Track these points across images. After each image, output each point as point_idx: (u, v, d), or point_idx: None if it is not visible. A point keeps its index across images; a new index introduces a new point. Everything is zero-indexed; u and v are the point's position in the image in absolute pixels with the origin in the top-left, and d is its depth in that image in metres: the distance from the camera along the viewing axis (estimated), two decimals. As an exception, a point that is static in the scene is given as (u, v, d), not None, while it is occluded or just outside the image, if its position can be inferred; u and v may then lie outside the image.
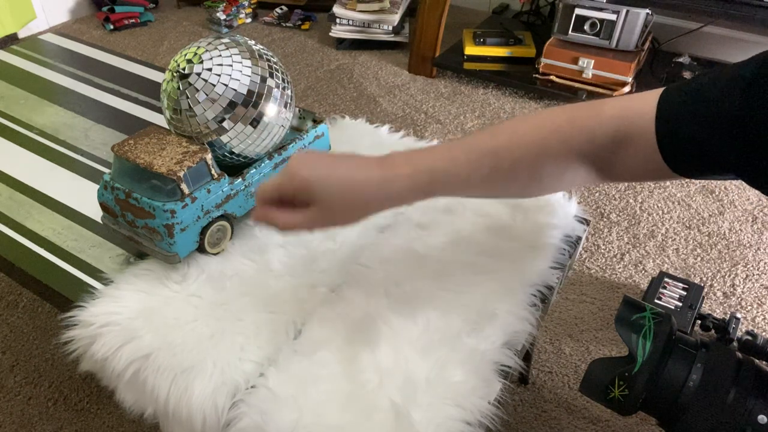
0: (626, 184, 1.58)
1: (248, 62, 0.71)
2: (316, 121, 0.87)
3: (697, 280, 1.28)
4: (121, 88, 1.12)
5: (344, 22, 2.21)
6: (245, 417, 0.57)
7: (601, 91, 1.82)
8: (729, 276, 1.30)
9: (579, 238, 0.81)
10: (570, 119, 0.55)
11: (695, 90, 0.51)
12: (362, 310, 0.67)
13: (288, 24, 2.46)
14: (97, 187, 0.72)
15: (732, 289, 1.27)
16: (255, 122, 0.72)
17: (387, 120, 1.85)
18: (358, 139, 0.96)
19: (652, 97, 0.53)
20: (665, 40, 2.02)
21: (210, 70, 0.68)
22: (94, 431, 1.02)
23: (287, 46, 2.30)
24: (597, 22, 1.76)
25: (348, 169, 0.56)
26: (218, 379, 0.60)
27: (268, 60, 0.73)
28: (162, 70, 1.18)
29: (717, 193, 1.54)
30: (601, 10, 1.74)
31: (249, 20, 2.50)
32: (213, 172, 0.70)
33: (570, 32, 1.81)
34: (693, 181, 1.59)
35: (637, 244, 1.38)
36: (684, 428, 0.53)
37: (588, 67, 1.80)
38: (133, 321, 0.65)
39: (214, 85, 0.68)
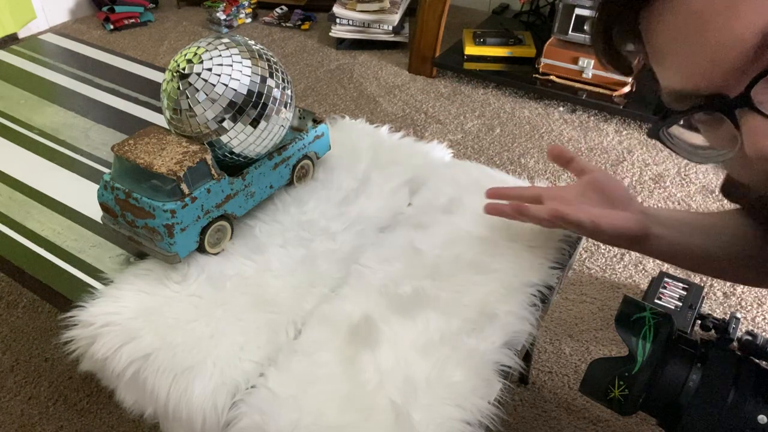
0: (626, 183, 1.58)
1: (248, 62, 0.71)
2: (316, 121, 0.87)
3: (697, 280, 1.27)
4: (121, 88, 1.12)
5: (344, 22, 2.21)
6: (245, 417, 0.57)
7: (601, 91, 1.82)
8: (729, 276, 1.30)
9: (579, 238, 0.81)
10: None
11: None
12: (362, 310, 0.67)
13: (288, 24, 2.46)
14: (97, 187, 0.72)
15: (732, 289, 1.27)
16: (255, 122, 0.72)
17: (387, 120, 1.85)
18: (358, 139, 0.96)
19: None
20: (665, 40, 2.02)
21: (210, 70, 0.68)
22: (94, 431, 1.02)
23: (287, 46, 2.30)
24: (597, 22, 1.75)
25: None
26: (218, 379, 0.60)
27: (268, 60, 0.73)
28: (162, 70, 1.18)
29: (717, 193, 1.54)
30: (601, 10, 1.74)
31: (249, 20, 2.50)
32: (213, 172, 0.70)
33: (570, 32, 1.81)
34: (693, 180, 1.59)
35: (637, 244, 1.38)
36: (684, 428, 0.53)
37: (588, 67, 1.80)
38: (133, 321, 0.65)
39: (214, 85, 0.68)
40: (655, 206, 0.62)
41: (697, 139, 0.39)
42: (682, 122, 0.38)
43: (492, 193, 0.71)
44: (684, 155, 0.39)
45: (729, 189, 0.62)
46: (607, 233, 0.56)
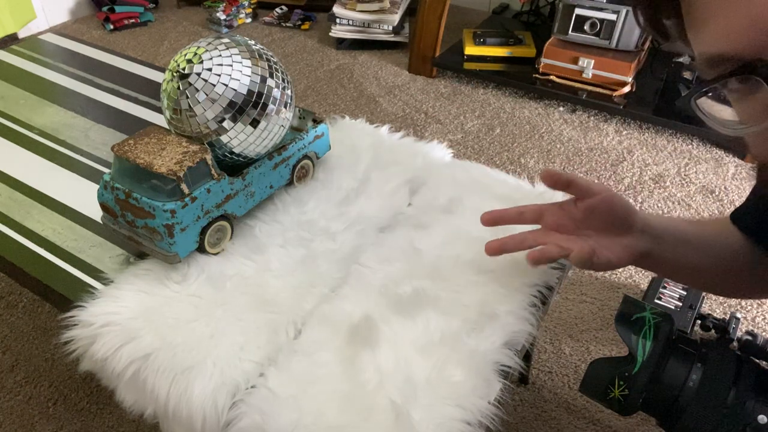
0: (626, 183, 1.58)
1: (248, 62, 0.71)
2: (316, 121, 0.87)
3: (697, 280, 1.27)
4: (121, 88, 1.12)
5: (344, 22, 2.21)
6: (245, 417, 0.57)
7: (601, 91, 1.82)
8: (729, 276, 1.30)
9: (579, 238, 0.80)
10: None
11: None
12: (362, 310, 0.67)
13: (288, 24, 2.46)
14: (97, 187, 0.72)
15: (732, 289, 1.26)
16: (255, 122, 0.72)
17: (387, 120, 1.85)
18: (358, 139, 0.96)
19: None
20: (665, 40, 2.02)
21: (210, 70, 0.68)
22: (94, 431, 1.02)
23: (287, 46, 2.30)
24: (597, 22, 1.76)
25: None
26: (218, 379, 0.60)
27: (268, 60, 0.73)
28: (162, 70, 1.18)
29: (717, 193, 1.54)
30: (601, 10, 1.74)
31: (249, 20, 2.50)
32: (213, 172, 0.70)
33: (570, 32, 1.81)
34: (693, 180, 1.59)
35: (637, 244, 1.38)
36: (684, 428, 0.53)
37: (588, 67, 1.80)
38: (133, 321, 0.65)
39: (214, 85, 0.68)
40: (657, 212, 0.62)
41: (725, 113, 0.38)
42: (711, 94, 0.37)
43: (488, 219, 0.69)
44: (714, 127, 0.38)
45: (739, 215, 0.63)
46: (601, 266, 0.59)
